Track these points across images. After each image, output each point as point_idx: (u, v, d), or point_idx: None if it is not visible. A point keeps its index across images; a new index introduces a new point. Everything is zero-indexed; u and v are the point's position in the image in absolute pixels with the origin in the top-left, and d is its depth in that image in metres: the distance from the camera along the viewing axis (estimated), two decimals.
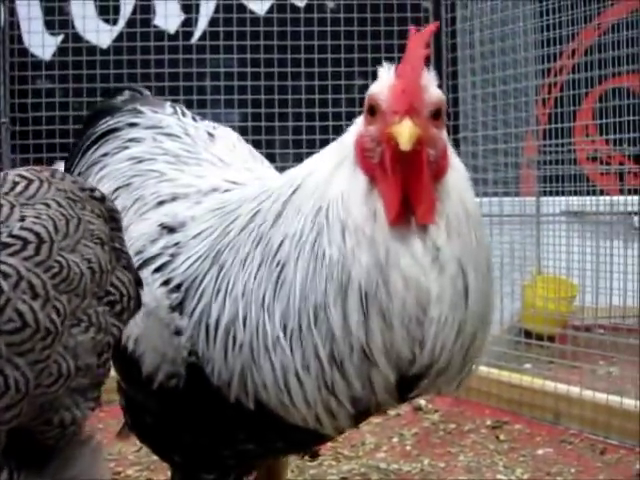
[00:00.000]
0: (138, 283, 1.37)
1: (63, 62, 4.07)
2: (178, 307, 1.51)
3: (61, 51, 4.20)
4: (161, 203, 1.77)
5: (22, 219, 1.20)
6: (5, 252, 1.14)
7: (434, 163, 1.40)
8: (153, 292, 1.52)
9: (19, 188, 1.25)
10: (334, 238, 1.39)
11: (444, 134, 1.44)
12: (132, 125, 2.02)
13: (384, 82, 1.38)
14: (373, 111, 1.39)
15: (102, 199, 1.36)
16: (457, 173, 1.47)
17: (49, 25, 4.28)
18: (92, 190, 1.36)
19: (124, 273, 1.34)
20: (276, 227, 1.46)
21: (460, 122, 3.65)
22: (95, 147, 2.04)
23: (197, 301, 1.49)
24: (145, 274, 1.52)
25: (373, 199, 1.39)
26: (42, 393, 1.14)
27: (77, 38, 4.17)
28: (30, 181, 1.27)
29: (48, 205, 1.25)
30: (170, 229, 1.65)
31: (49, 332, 1.13)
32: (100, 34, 4.17)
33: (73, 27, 4.21)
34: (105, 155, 2.00)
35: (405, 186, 1.38)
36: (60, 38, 4.27)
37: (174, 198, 1.76)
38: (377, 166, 1.39)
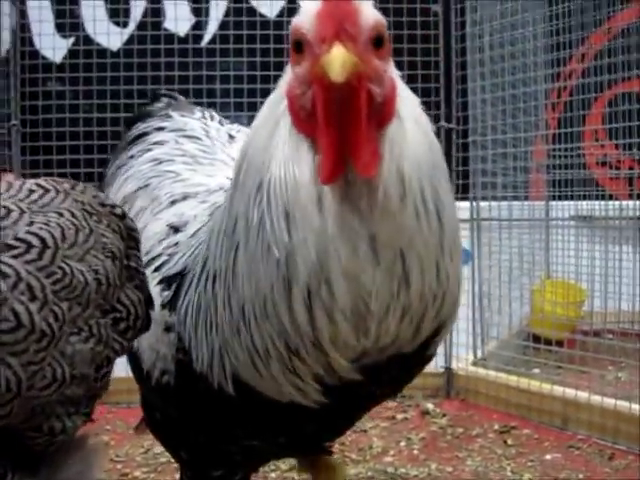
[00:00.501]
0: (149, 303, 1.38)
1: (74, 65, 4.08)
2: (168, 304, 1.51)
3: (72, 54, 4.22)
4: (173, 203, 1.79)
5: (30, 224, 1.21)
6: (8, 254, 1.15)
7: (380, 105, 1.20)
8: (151, 291, 1.52)
9: (34, 196, 1.27)
10: (279, 228, 1.23)
11: (391, 68, 1.25)
12: (159, 129, 2.07)
13: (309, 10, 1.17)
14: (299, 47, 1.18)
15: (122, 216, 1.37)
16: (407, 122, 1.24)
17: (60, 28, 4.29)
18: (113, 207, 1.37)
19: (135, 292, 1.34)
20: (232, 207, 1.34)
21: (469, 126, 3.65)
22: (125, 150, 2.09)
23: (183, 297, 1.49)
24: (147, 273, 1.54)
25: (317, 172, 1.20)
26: (34, 396, 1.14)
27: (88, 41, 4.19)
28: (46, 190, 1.29)
29: (60, 214, 1.26)
30: (175, 229, 1.68)
31: (44, 334, 1.13)
32: (110, 37, 4.18)
33: (84, 30, 4.22)
34: (131, 157, 2.05)
35: (342, 135, 1.18)
36: (71, 41, 4.29)
37: (185, 197, 1.78)
38: (312, 118, 1.19)
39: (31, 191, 1.28)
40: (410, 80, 3.74)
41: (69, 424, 1.23)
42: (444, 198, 1.27)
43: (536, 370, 3.53)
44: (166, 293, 1.52)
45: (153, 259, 1.62)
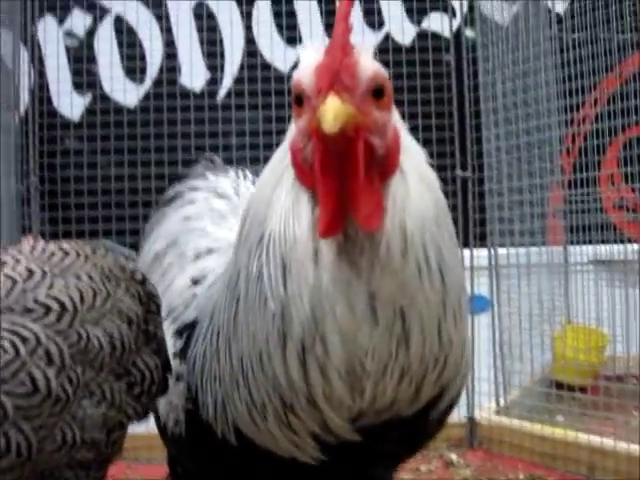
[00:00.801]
0: (167, 369, 1.38)
1: (91, 122, 4.13)
2: (179, 354, 1.51)
3: (89, 112, 4.28)
4: (198, 257, 1.81)
5: (50, 287, 1.22)
6: (28, 317, 1.16)
7: (382, 158, 1.19)
8: (167, 341, 1.54)
9: (56, 259, 1.29)
10: (275, 280, 1.21)
11: (394, 119, 1.22)
12: (193, 189, 2.09)
13: (308, 63, 1.17)
14: (300, 100, 1.18)
15: (142, 281, 1.39)
16: (411, 176, 1.22)
17: (77, 86, 4.36)
18: (133, 272, 1.39)
19: (152, 357, 1.35)
20: (235, 260, 1.34)
21: (485, 174, 3.66)
22: (161, 210, 2.13)
23: (192, 348, 1.49)
24: (166, 325, 1.55)
25: (316, 227, 1.18)
26: (43, 460, 1.14)
27: (105, 98, 4.25)
28: (67, 254, 1.31)
29: (79, 277, 1.28)
30: (196, 282, 1.70)
31: (59, 400, 1.14)
32: (127, 94, 4.24)
33: (101, 88, 4.29)
34: (164, 216, 2.08)
35: (342, 188, 1.16)
36: (88, 99, 4.35)
37: (209, 252, 1.80)
38: (313, 170, 1.18)
39: (53, 254, 1.30)
40: (424, 130, 3.80)
41: None
42: (448, 258, 1.23)
43: (560, 417, 3.49)
44: (178, 343, 1.53)
45: (172, 311, 1.64)
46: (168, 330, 1.56)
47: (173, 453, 1.67)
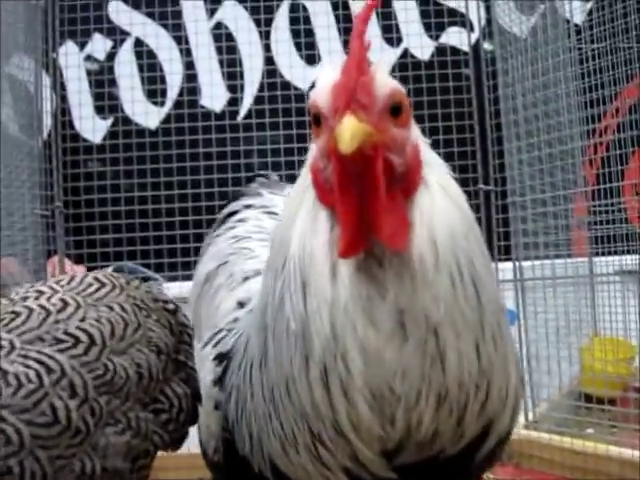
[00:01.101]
0: (197, 398, 1.39)
1: (113, 145, 4.16)
2: (218, 381, 1.47)
3: (111, 135, 4.31)
4: (246, 279, 1.80)
5: (82, 319, 1.25)
6: (56, 347, 1.18)
7: (403, 174, 1.17)
8: (207, 366, 1.53)
9: (91, 289, 1.32)
10: (296, 299, 1.18)
11: (414, 135, 1.21)
12: (247, 207, 2.10)
13: (324, 83, 1.15)
14: (318, 120, 1.17)
15: (174, 312, 1.42)
16: (435, 189, 1.19)
17: (99, 110, 4.40)
18: (166, 302, 1.43)
19: (181, 385, 1.37)
20: (263, 284, 1.31)
21: (508, 187, 3.65)
22: (215, 229, 2.14)
23: (229, 376, 1.45)
24: (208, 348, 1.54)
25: (334, 244, 1.15)
26: None
27: (126, 121, 4.28)
28: (103, 284, 1.35)
29: (111, 308, 1.30)
30: (241, 305, 1.68)
31: (79, 432, 1.15)
32: (148, 116, 4.27)
33: (122, 111, 4.32)
34: (217, 236, 2.09)
35: (363, 207, 1.14)
36: (110, 121, 4.39)
37: (257, 274, 1.76)
38: (333, 191, 1.15)
39: (90, 284, 1.33)
40: (446, 144, 3.78)
41: None
42: (482, 273, 1.18)
43: (590, 430, 3.45)
44: (218, 370, 1.49)
45: (216, 334, 1.61)
46: (210, 354, 1.53)
47: (214, 478, 1.64)
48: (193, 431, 3.50)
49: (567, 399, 3.74)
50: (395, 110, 1.15)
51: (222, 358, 1.50)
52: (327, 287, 1.15)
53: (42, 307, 1.24)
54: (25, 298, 1.26)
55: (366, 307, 1.14)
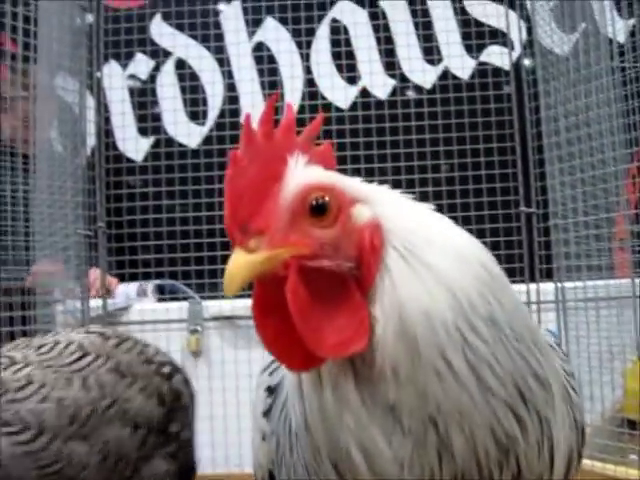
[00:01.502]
0: (187, 473, 1.29)
1: (155, 166, 4.21)
2: (268, 413, 1.42)
3: (153, 155, 4.36)
4: None
5: (42, 400, 1.16)
6: (2, 430, 1.10)
7: (352, 269, 1.07)
8: (259, 395, 1.48)
9: (70, 359, 1.25)
10: (296, 406, 1.16)
11: (364, 217, 1.09)
12: None
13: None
14: None
15: (169, 377, 1.33)
16: (399, 270, 1.06)
17: (141, 131, 4.46)
18: (162, 364, 1.35)
19: (166, 461, 1.26)
20: None
21: (550, 210, 3.62)
22: None
23: (274, 411, 1.40)
24: (263, 377, 1.49)
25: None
26: None
27: (169, 142, 4.32)
28: (86, 354, 1.27)
29: (85, 384, 1.20)
30: None
31: None
32: (190, 137, 4.31)
33: (165, 132, 4.37)
34: None
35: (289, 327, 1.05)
36: (151, 142, 4.44)
37: None
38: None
39: (71, 353, 1.24)
40: (487, 166, 3.77)
41: None
42: (486, 352, 1.06)
43: (633, 457, 3.39)
44: (268, 401, 1.44)
45: (273, 361, 1.51)
46: (264, 383, 1.49)
47: None
48: (229, 451, 3.51)
49: (609, 425, 3.68)
50: (318, 209, 1.06)
51: (272, 390, 1.46)
52: (314, 392, 1.11)
53: (4, 382, 1.15)
54: None
55: (356, 408, 1.07)
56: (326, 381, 1.09)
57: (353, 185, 1.13)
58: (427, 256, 1.07)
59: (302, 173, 1.09)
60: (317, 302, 1.07)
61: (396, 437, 1.07)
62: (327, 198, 1.07)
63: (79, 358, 1.26)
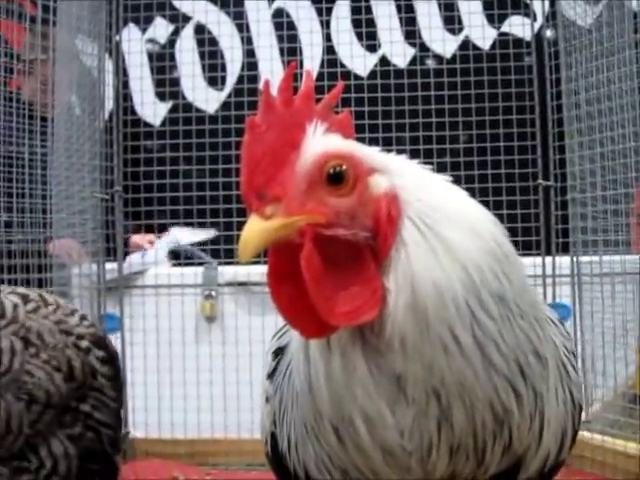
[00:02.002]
0: (89, 458, 1.22)
1: (173, 131, 4.20)
2: (272, 375, 1.44)
3: (171, 120, 4.36)
4: None
5: None
6: None
7: (368, 239, 1.08)
8: (267, 359, 1.50)
9: None
10: (301, 367, 1.18)
11: (381, 188, 1.09)
12: None
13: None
14: None
15: (87, 351, 1.25)
16: (415, 243, 1.07)
17: (159, 96, 4.45)
18: (80, 337, 1.25)
19: (64, 444, 1.19)
20: None
21: (568, 183, 3.59)
22: None
23: (278, 373, 1.41)
24: (272, 342, 1.51)
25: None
26: None
27: (186, 107, 4.31)
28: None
29: None
30: None
31: None
32: (208, 103, 4.30)
33: (183, 97, 4.36)
34: None
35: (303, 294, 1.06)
36: (169, 106, 4.44)
37: None
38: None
39: None
40: (506, 138, 3.73)
41: None
42: (494, 330, 1.08)
43: None
44: (273, 364, 1.46)
45: (284, 326, 1.52)
46: (272, 347, 1.50)
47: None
48: (241, 417, 3.52)
49: (621, 400, 3.68)
50: (335, 178, 1.07)
51: (277, 352, 1.47)
52: (321, 357, 1.12)
53: None
54: None
55: (364, 377, 1.09)
56: (335, 347, 1.10)
57: (371, 154, 1.14)
58: (443, 230, 1.08)
59: (320, 141, 1.09)
60: (331, 270, 1.08)
61: (399, 406, 1.09)
62: (344, 167, 1.07)
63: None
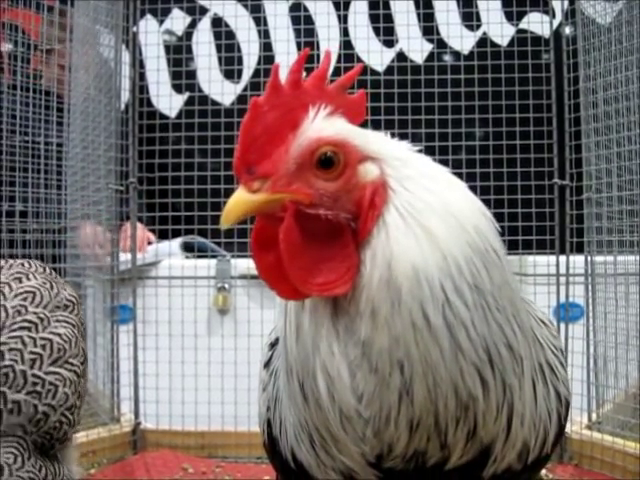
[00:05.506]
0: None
1: (189, 123, 4.20)
2: (268, 364, 1.51)
3: (187, 113, 4.36)
4: None
5: None
6: None
7: (349, 220, 1.15)
8: (263, 351, 1.56)
9: None
10: (279, 322, 1.28)
11: (368, 176, 1.16)
12: None
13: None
14: None
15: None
16: (395, 226, 1.13)
17: (176, 88, 4.46)
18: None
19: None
20: None
21: (584, 183, 3.57)
22: None
23: (274, 360, 1.48)
24: (271, 334, 1.56)
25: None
26: None
27: (202, 100, 4.31)
28: None
29: None
30: None
31: None
32: (224, 96, 4.29)
33: (200, 90, 4.36)
34: None
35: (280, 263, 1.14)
36: (185, 98, 4.44)
37: None
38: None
39: None
40: (522, 136, 3.70)
41: None
42: (464, 313, 1.12)
43: None
44: (269, 353, 1.53)
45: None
46: (269, 340, 1.55)
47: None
48: (252, 410, 3.53)
49: (632, 402, 3.66)
50: (325, 163, 1.13)
51: (274, 342, 1.52)
52: (294, 313, 1.21)
53: None
54: None
55: (329, 333, 1.15)
56: (307, 304, 1.18)
57: (370, 141, 1.19)
58: (426, 220, 1.13)
59: (319, 124, 1.15)
60: (310, 244, 1.16)
61: (361, 372, 1.14)
62: (335, 153, 1.14)
63: None
